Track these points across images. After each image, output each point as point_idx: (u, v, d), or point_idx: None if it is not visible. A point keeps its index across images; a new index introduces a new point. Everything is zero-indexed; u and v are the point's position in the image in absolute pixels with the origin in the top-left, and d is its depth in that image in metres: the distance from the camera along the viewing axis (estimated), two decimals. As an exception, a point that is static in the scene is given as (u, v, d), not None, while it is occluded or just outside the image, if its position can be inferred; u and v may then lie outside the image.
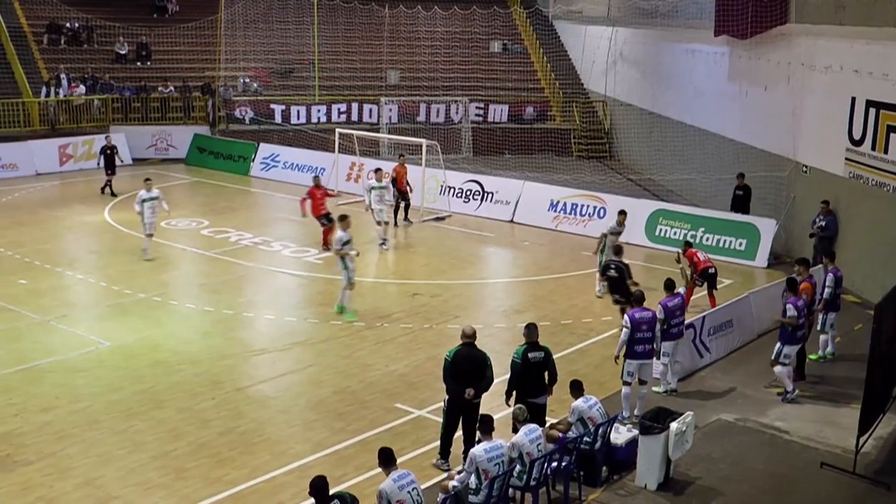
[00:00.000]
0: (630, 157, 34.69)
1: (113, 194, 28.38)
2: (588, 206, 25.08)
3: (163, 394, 14.14)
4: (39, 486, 11.37)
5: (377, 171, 23.83)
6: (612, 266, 16.93)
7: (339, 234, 17.52)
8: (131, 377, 14.73)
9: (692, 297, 17.56)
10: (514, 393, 11.98)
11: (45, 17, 37.03)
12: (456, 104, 36.48)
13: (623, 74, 35.18)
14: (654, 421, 11.67)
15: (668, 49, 31.47)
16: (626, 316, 13.57)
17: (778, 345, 14.30)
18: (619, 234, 19.60)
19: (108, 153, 28.78)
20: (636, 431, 11.88)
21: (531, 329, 12.28)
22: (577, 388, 11.95)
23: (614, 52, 35.06)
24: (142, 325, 17.20)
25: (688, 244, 19.01)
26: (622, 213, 20.02)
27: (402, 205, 25.19)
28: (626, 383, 13.45)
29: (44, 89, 33.63)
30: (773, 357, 14.36)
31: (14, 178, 30.60)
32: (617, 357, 13.58)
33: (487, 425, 10.57)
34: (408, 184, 25.32)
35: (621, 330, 13.57)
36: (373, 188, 23.09)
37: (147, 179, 22.00)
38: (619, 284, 16.60)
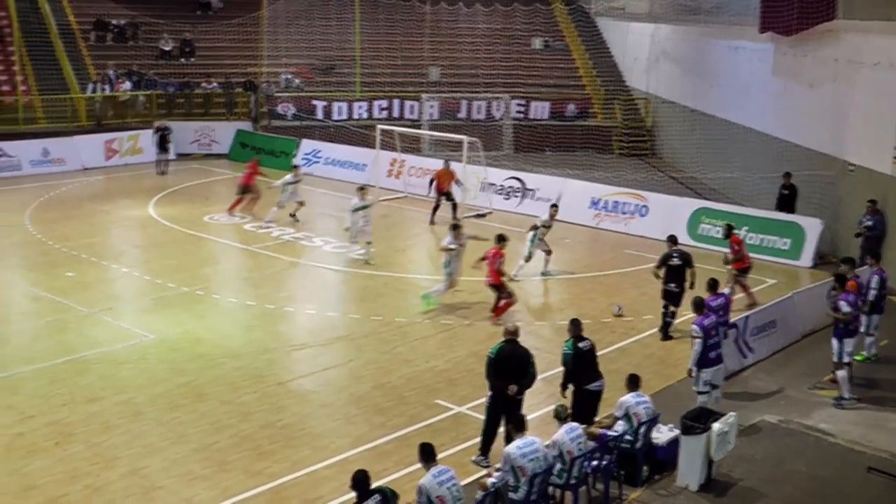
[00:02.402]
0: (672, 154, 34.40)
1: (165, 172, 30.87)
2: (629, 203, 24.94)
3: (205, 387, 14.30)
4: (87, 475, 11.57)
5: (361, 189, 21.67)
6: (675, 255, 16.77)
7: (448, 239, 18.05)
8: (174, 370, 14.92)
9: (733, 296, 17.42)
10: (569, 383, 12.21)
11: (93, 15, 37.58)
12: (497, 101, 36.42)
13: (665, 71, 34.90)
14: (696, 421, 11.58)
15: (712, 46, 31.16)
16: (695, 326, 13.13)
17: (835, 343, 14.08)
18: (549, 227, 20.12)
19: (163, 134, 30.98)
20: (677, 431, 11.79)
21: (575, 324, 12.49)
22: (632, 383, 11.95)
23: (656, 49, 34.80)
24: (185, 318, 17.40)
25: (730, 227, 18.83)
26: (554, 206, 20.51)
27: (451, 205, 25.20)
28: (702, 393, 13.06)
29: (90, 85, 34.16)
30: (835, 359, 14.12)
31: (61, 172, 31.12)
32: (691, 371, 13.21)
33: (520, 424, 10.59)
34: (458, 182, 25.37)
35: (692, 341, 13.18)
36: (356, 208, 20.93)
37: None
38: (681, 273, 16.54)
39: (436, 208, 25.16)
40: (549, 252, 20.32)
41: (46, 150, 31.52)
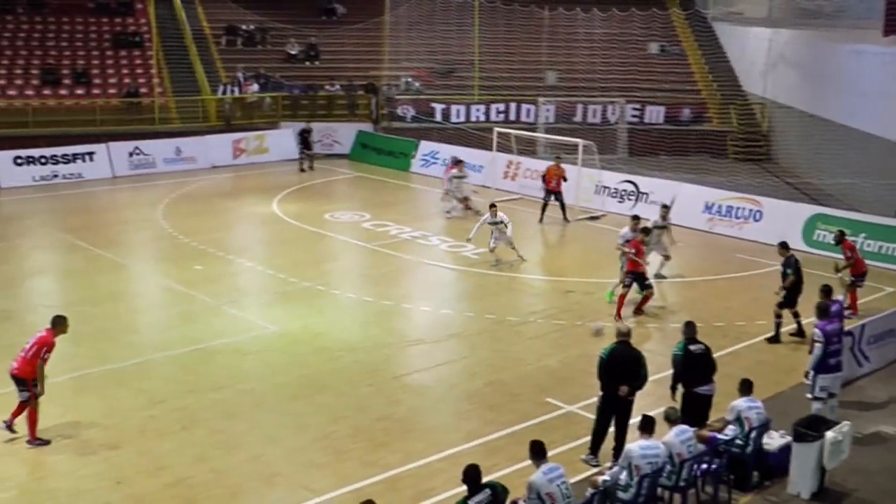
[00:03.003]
0: (788, 160, 33.58)
1: (311, 167, 32.34)
2: (744, 208, 24.54)
3: (324, 379, 14.77)
4: (211, 459, 12.11)
5: (459, 162, 25.58)
6: (794, 259, 16.54)
7: (624, 230, 18.51)
8: (295, 361, 15.46)
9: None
10: (679, 386, 12.16)
11: (224, 21, 39.19)
12: (612, 105, 36.23)
13: (783, 76, 34.17)
14: (809, 428, 11.38)
15: (832, 50, 30.31)
16: (816, 329, 12.87)
17: None
18: (664, 228, 20.06)
19: (306, 135, 32.60)
20: (789, 438, 11.62)
21: (690, 326, 12.47)
22: (745, 388, 11.83)
23: (774, 53, 34.04)
24: (305, 312, 17.98)
25: (842, 234, 18.34)
26: (665, 207, 20.46)
27: (558, 204, 25.30)
28: (817, 399, 12.79)
29: (220, 87, 35.61)
30: None
31: (192, 169, 32.56)
32: (808, 373, 12.98)
33: (649, 425, 10.61)
34: (564, 180, 25.52)
35: (812, 345, 12.92)
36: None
37: (458, 161, 24.16)
38: (797, 284, 16.37)
39: (544, 206, 25.44)
40: (667, 257, 20.15)
41: (179, 148, 33.06)
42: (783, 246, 16.93)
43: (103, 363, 15.17)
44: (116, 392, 14.12)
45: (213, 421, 13.22)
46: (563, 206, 25.45)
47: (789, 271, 16.50)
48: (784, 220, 23.43)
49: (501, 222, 20.93)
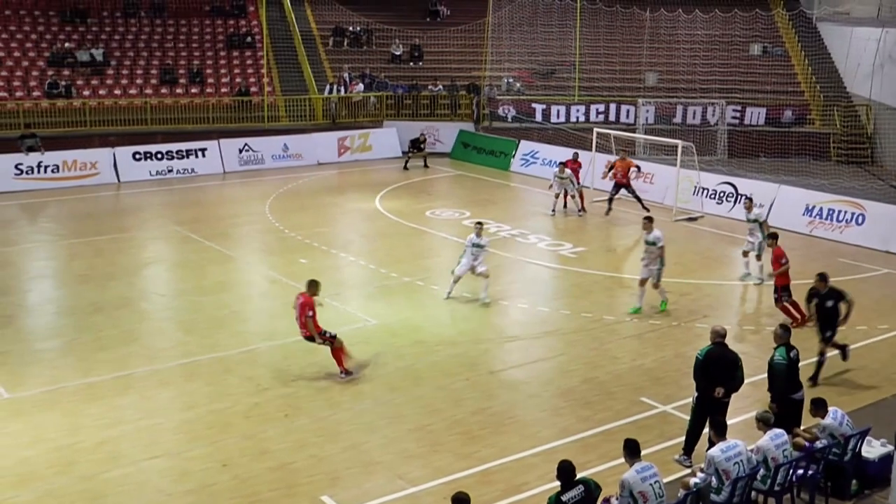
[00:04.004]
0: (895, 162, 32.63)
1: (426, 166, 33.38)
2: (846, 212, 23.95)
3: (422, 371, 15.08)
4: (312, 446, 12.51)
5: (478, 224, 19.43)
6: (829, 296, 14.67)
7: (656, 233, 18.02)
8: (394, 354, 15.81)
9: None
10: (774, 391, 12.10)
11: (332, 22, 40.14)
12: (713, 106, 35.74)
13: (891, 77, 33.23)
14: (913, 438, 11.14)
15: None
16: None
17: None
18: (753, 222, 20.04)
19: (421, 140, 33.72)
20: (891, 447, 11.38)
21: (787, 330, 12.37)
22: (818, 407, 11.49)
23: (882, 53, 32.99)
24: (405, 306, 18.36)
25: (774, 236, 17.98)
26: (748, 199, 20.71)
27: (633, 197, 26.05)
28: None
29: (327, 86, 36.48)
30: None
31: (299, 166, 33.51)
32: None
33: (720, 428, 10.58)
34: (638, 169, 26.53)
35: None
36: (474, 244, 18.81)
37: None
38: (834, 315, 14.63)
39: (611, 200, 26.16)
40: (758, 257, 19.91)
41: (286, 145, 34.04)
42: (822, 279, 14.80)
43: (212, 351, 15.83)
44: (224, 378, 14.72)
45: (315, 409, 13.63)
46: (637, 198, 25.98)
47: (829, 303, 14.60)
48: (888, 223, 22.88)
49: (482, 247, 18.40)
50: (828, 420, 11.43)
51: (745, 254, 20.11)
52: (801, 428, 11.86)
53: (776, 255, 17.33)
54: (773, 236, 18.04)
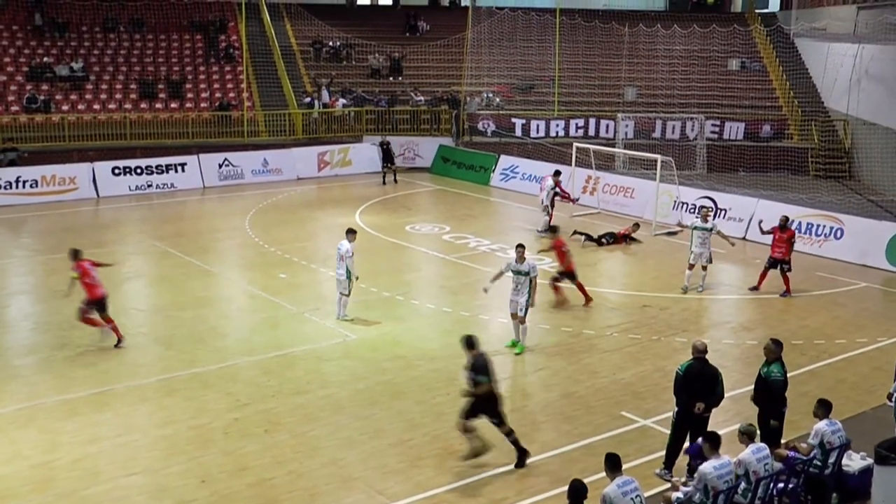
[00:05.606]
0: (871, 177, 32.92)
1: (395, 181, 32.97)
2: (824, 226, 24.18)
3: (402, 386, 15.06)
4: (291, 462, 12.46)
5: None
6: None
7: None
8: (374, 368, 15.79)
9: None
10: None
11: (311, 37, 40.17)
12: (692, 121, 36.07)
13: (868, 93, 33.55)
14: (892, 451, 11.17)
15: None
16: None
17: None
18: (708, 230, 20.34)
19: (385, 147, 33.11)
20: (871, 460, 11.43)
21: (779, 345, 12.29)
22: (825, 410, 11.60)
23: (859, 69, 33.39)
24: (385, 321, 18.33)
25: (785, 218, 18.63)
26: (707, 208, 21.41)
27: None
28: None
29: (307, 99, 36.47)
30: None
31: (278, 181, 33.47)
32: (891, 395, 12.81)
33: (715, 442, 10.55)
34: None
35: None
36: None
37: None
38: None
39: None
40: (704, 267, 20.37)
41: (266, 160, 34.00)
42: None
43: (191, 366, 15.75)
44: (203, 394, 14.63)
45: (295, 424, 13.58)
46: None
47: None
48: (866, 237, 23.14)
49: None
50: (822, 424, 11.46)
51: (692, 266, 20.21)
52: (796, 439, 11.90)
53: (558, 245, 19.20)
54: (554, 229, 20.00)
